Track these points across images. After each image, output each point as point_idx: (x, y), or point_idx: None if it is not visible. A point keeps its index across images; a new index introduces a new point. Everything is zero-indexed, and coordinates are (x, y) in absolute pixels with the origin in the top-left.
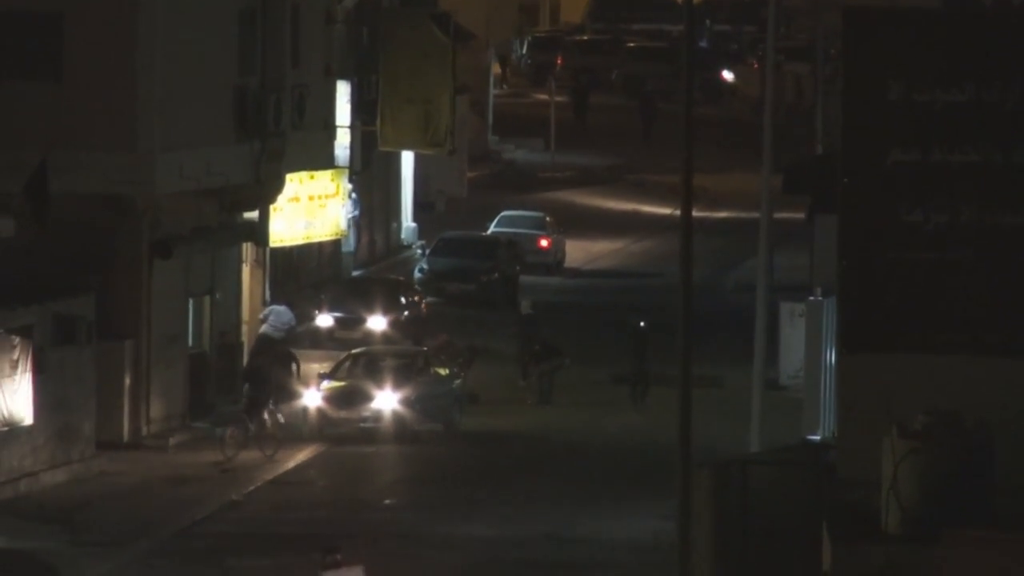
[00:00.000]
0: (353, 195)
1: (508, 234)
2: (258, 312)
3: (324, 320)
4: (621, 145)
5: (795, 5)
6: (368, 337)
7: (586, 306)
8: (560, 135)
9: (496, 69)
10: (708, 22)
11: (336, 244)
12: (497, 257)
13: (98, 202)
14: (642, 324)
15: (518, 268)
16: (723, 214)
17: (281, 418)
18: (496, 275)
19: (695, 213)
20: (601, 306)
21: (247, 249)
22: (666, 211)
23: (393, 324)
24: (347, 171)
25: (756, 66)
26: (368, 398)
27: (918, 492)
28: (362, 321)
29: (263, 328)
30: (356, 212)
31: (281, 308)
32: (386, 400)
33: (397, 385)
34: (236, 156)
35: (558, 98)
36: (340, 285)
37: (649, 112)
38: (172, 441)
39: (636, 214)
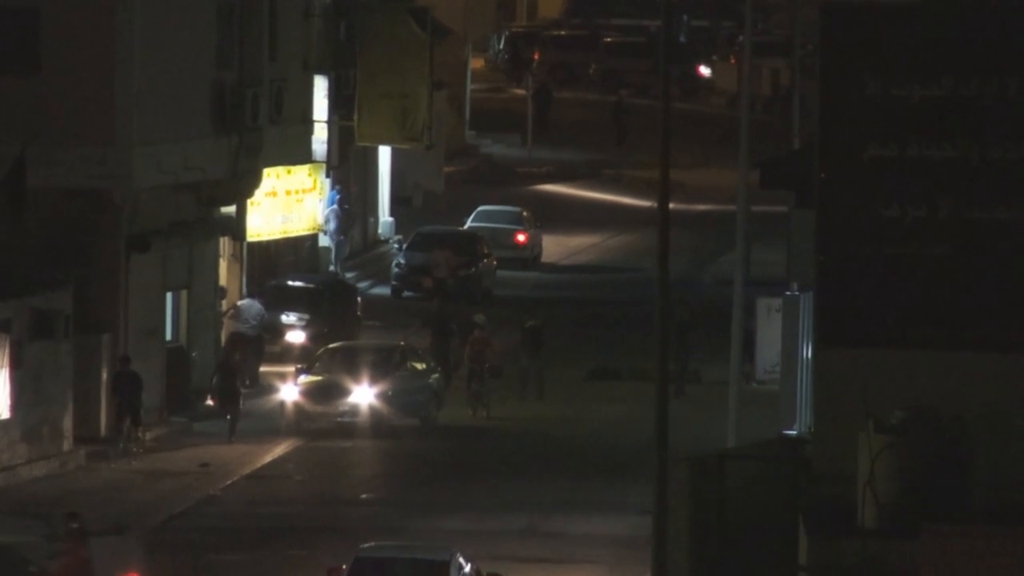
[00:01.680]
0: (336, 193)
1: (481, 230)
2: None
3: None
4: (599, 140)
5: (773, 0)
6: (286, 351)
7: (563, 301)
8: (537, 130)
9: (479, 63)
10: (686, 17)
11: (314, 239)
12: (437, 261)
13: (76, 196)
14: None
15: (485, 264)
16: (701, 207)
17: (141, 432)
18: (447, 277)
19: (672, 206)
20: (579, 301)
21: (224, 243)
22: (645, 203)
23: (315, 337)
24: (324, 166)
25: (734, 61)
26: (345, 393)
27: (895, 487)
28: (280, 334)
29: (235, 327)
30: (333, 221)
31: (246, 303)
32: (363, 395)
33: (374, 380)
34: (213, 150)
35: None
36: (267, 290)
37: (621, 119)
38: (149, 435)
39: (614, 209)
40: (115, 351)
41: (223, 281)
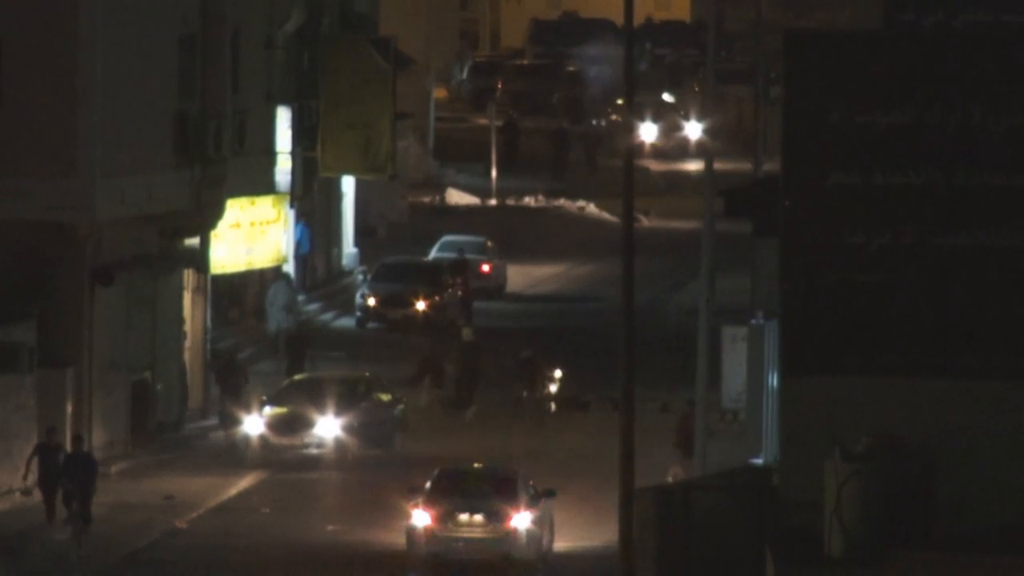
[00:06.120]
0: (304, 227)
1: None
2: (199, 339)
3: None
4: (563, 169)
5: (736, 28)
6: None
7: (527, 331)
8: (501, 160)
9: (442, 93)
10: (648, 45)
11: (278, 271)
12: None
13: (39, 229)
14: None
15: (450, 295)
16: (665, 234)
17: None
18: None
19: (637, 232)
20: (542, 331)
21: (188, 276)
22: (610, 229)
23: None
24: (288, 197)
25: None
26: (310, 424)
27: (861, 515)
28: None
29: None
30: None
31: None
32: (328, 426)
33: (339, 411)
34: (177, 182)
35: (498, 123)
36: None
37: (592, 150)
38: (114, 468)
39: (577, 238)
40: (79, 384)
41: (187, 314)
